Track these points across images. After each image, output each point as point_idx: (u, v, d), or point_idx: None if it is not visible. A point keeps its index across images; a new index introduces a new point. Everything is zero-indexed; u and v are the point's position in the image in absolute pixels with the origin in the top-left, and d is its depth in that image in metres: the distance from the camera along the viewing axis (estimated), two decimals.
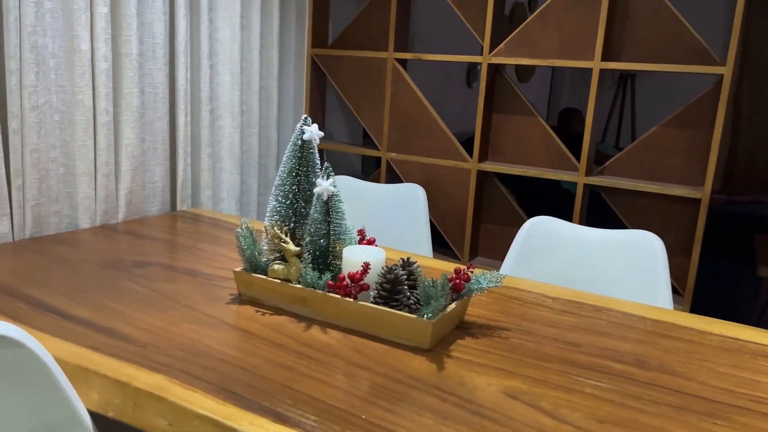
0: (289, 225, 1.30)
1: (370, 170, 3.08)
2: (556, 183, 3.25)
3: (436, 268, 1.64)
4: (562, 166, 2.27)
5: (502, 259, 2.31)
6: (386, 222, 2.07)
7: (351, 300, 1.19)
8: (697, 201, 2.05)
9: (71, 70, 1.71)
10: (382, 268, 1.17)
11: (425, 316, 1.11)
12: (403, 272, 1.18)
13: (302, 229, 1.32)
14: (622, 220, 2.20)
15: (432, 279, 1.18)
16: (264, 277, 1.28)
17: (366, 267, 1.18)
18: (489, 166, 2.32)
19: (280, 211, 1.30)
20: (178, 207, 2.12)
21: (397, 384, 1.00)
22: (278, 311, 1.27)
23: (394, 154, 2.50)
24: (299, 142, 1.29)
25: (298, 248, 1.25)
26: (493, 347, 1.16)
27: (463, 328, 1.25)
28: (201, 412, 0.90)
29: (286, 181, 1.30)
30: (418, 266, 1.26)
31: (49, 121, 1.66)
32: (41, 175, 1.66)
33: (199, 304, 1.28)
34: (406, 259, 1.26)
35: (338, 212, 1.27)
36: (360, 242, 1.33)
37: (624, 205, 2.18)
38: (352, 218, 2.09)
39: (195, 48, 2.09)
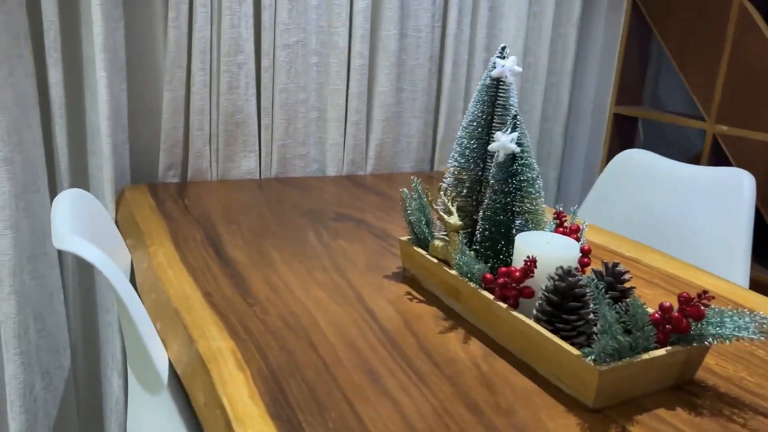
0: (460, 191, 0.99)
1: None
2: None
3: (731, 299, 1.10)
4: None
5: None
6: (686, 216, 1.52)
7: (504, 306, 0.83)
8: None
9: (329, 10, 1.65)
10: (556, 271, 0.78)
11: (589, 357, 0.70)
12: (582, 282, 0.77)
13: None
14: None
15: (633, 302, 0.74)
16: (423, 252, 1.01)
17: (530, 264, 0.81)
18: None
19: (454, 173, 0.99)
20: (436, 167, 1.93)
21: None
22: (432, 300, 0.98)
23: (725, 128, 1.84)
24: (487, 80, 0.95)
25: (459, 222, 0.93)
26: None
27: (685, 390, 0.77)
28: (224, 401, 0.70)
29: (467, 133, 0.98)
30: (629, 279, 0.82)
31: (301, 61, 1.64)
32: (288, 116, 1.66)
33: (353, 271, 1.08)
34: (610, 265, 0.83)
35: (525, 181, 0.90)
36: (556, 229, 0.94)
37: None
38: (629, 207, 1.60)
39: None
